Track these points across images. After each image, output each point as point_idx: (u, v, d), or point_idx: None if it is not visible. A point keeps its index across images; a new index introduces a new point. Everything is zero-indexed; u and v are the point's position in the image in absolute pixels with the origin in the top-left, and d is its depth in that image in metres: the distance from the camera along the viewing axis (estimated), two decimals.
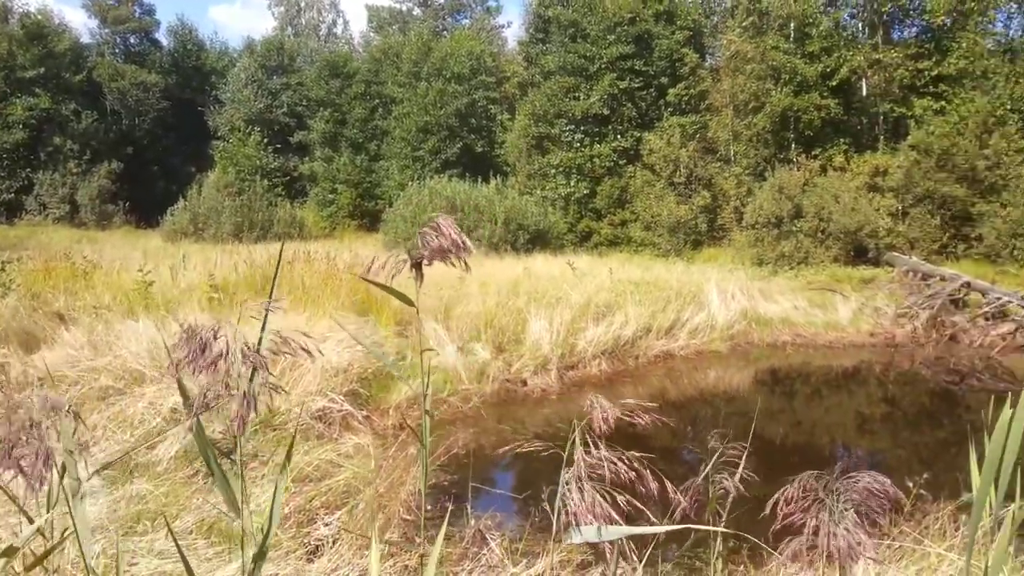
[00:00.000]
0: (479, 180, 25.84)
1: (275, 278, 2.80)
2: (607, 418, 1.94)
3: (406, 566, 4.22)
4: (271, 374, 1.64)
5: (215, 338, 1.59)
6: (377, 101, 37.23)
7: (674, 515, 2.36)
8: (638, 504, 1.82)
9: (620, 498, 1.80)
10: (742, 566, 4.52)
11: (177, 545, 1.76)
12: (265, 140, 38.02)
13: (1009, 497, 1.82)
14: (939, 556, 3.70)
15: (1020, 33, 25.63)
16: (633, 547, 2.19)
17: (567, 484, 1.84)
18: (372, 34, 51.57)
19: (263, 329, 1.74)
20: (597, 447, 1.91)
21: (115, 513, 4.50)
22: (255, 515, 4.49)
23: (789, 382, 12.35)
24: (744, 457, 2.49)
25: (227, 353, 1.57)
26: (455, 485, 6.03)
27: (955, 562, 3.50)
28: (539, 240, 23.50)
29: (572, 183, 26.97)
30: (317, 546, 4.63)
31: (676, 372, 12.10)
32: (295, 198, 37.41)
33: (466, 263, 1.95)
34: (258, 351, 1.67)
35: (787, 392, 11.85)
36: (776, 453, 8.27)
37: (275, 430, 6.86)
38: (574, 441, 1.92)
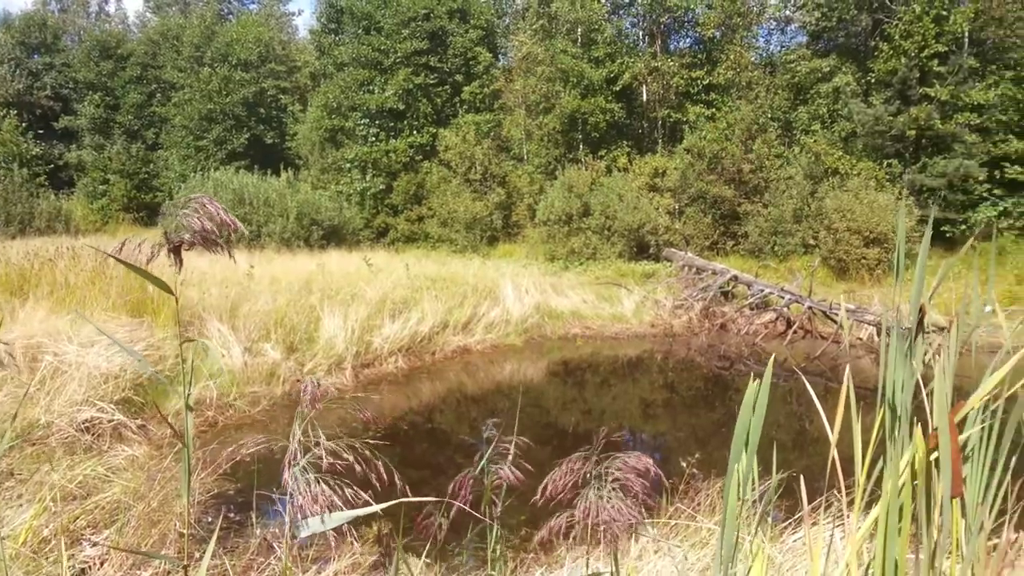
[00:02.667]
0: (269, 173, 24.80)
1: None
2: (316, 397, 1.86)
3: None
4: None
5: None
6: (155, 86, 34.85)
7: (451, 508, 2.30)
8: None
9: (350, 491, 1.73)
10: (532, 553, 4.57)
11: None
12: (25, 125, 34.37)
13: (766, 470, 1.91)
14: (709, 531, 3.92)
15: (779, 49, 28.27)
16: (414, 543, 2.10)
17: (294, 478, 1.74)
18: (149, 14, 48.06)
19: None
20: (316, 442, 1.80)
21: None
22: (8, 540, 3.97)
23: (580, 372, 12.80)
24: (521, 445, 2.47)
25: None
26: (241, 494, 5.68)
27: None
28: (334, 236, 22.94)
29: (368, 178, 26.59)
30: (83, 569, 4.18)
31: (473, 366, 12.19)
32: (60, 189, 34.13)
33: (231, 252, 1.76)
34: None
35: (578, 382, 12.27)
36: (568, 440, 8.52)
37: (34, 445, 6.16)
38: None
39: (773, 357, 2.02)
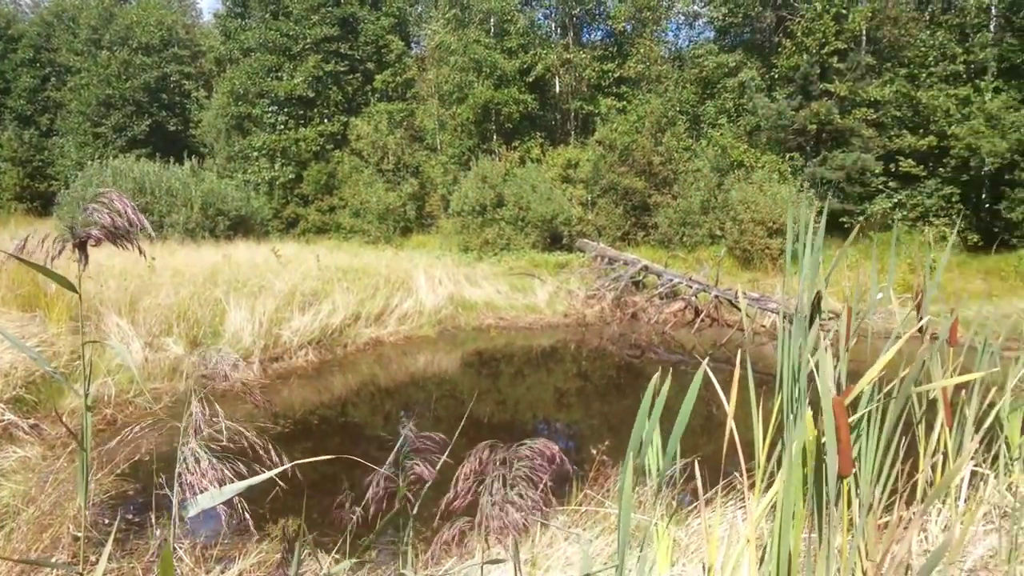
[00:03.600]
0: (172, 161, 23.90)
1: None
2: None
3: None
4: None
5: None
6: (49, 70, 33.21)
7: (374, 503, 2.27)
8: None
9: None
10: (444, 545, 4.53)
11: None
12: None
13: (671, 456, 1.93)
14: (618, 516, 3.97)
15: (687, 44, 28.88)
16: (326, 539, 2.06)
17: (183, 459, 1.71)
18: None
19: None
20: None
21: None
22: None
23: (494, 363, 12.82)
24: (436, 438, 2.45)
25: None
26: (141, 494, 5.47)
27: (633, 520, 3.76)
28: (241, 226, 22.30)
29: (277, 167, 25.98)
30: None
31: (386, 358, 12.07)
32: None
33: (140, 248, 1.68)
34: None
35: (493, 373, 12.29)
36: (483, 431, 8.52)
37: None
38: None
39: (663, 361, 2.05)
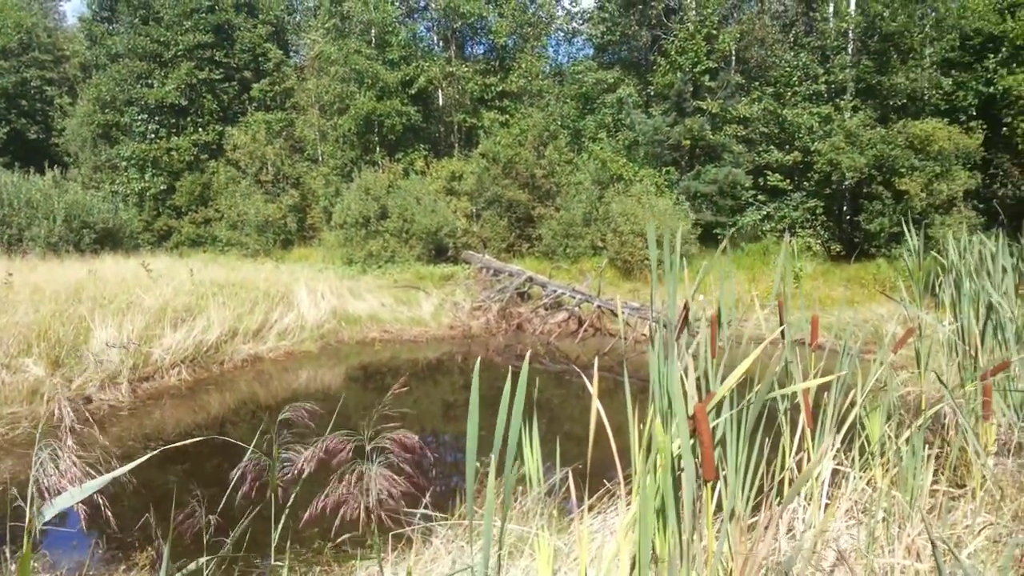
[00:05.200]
0: (32, 171, 22.45)
1: None
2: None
3: None
4: None
5: None
6: None
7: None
8: None
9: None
10: (325, 564, 4.45)
11: None
12: None
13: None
14: (496, 527, 3.97)
15: (567, 60, 29.50)
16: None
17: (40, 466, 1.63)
18: None
19: None
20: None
21: None
22: None
23: (379, 377, 12.65)
24: (312, 457, 2.39)
25: None
26: None
27: (514, 531, 3.77)
28: (109, 240, 21.17)
29: (147, 177, 24.86)
30: None
31: (266, 375, 11.71)
32: None
33: None
34: None
35: (378, 387, 12.12)
36: (405, 448, 8.37)
37: None
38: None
39: (529, 354, 2.07)
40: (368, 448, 1.88)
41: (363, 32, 24.81)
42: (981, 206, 18.69)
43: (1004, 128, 19.11)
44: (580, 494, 2.75)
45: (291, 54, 29.37)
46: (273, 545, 2.34)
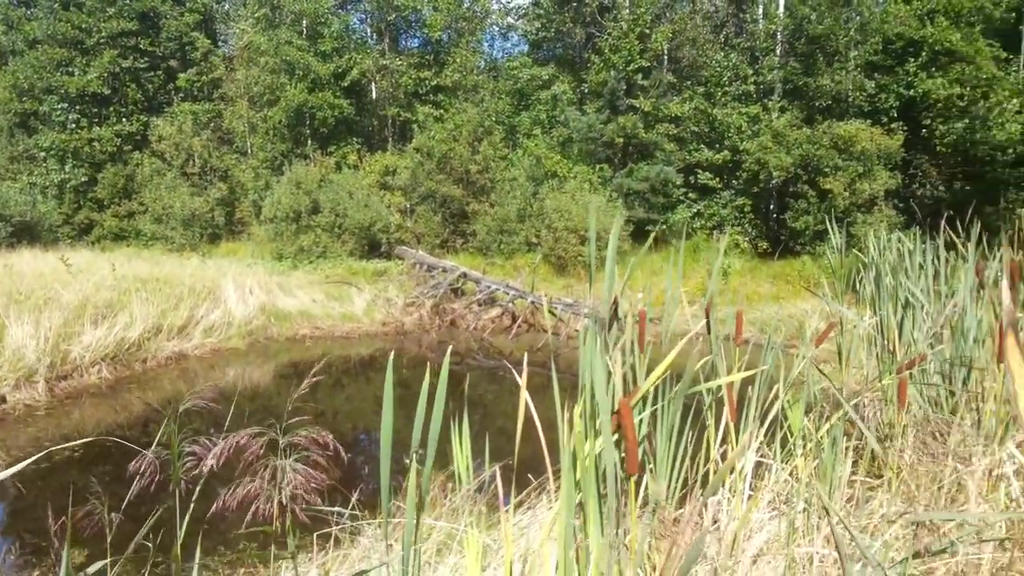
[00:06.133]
0: None
1: None
2: None
3: None
4: None
5: None
6: None
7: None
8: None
9: None
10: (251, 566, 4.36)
11: None
12: None
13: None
14: (429, 527, 3.94)
15: (502, 55, 29.50)
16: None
17: None
18: None
19: None
20: None
21: None
22: None
23: (310, 374, 12.45)
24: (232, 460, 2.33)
25: None
26: None
27: (444, 528, 3.75)
28: (26, 233, 20.38)
29: (68, 169, 23.98)
30: None
31: (191, 373, 11.42)
32: None
33: None
34: None
35: (309, 385, 11.93)
36: (319, 445, 8.23)
37: None
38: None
39: (451, 348, 2.05)
40: (282, 444, 1.84)
41: (294, 23, 24.35)
42: (901, 205, 19.36)
43: (923, 130, 19.82)
44: (509, 490, 2.74)
45: (219, 44, 28.64)
46: (178, 543, 2.27)
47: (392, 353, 1.60)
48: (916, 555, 2.29)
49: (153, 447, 2.51)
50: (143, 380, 10.64)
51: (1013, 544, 2.90)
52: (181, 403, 2.55)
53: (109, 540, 2.37)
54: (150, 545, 3.35)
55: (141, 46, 24.76)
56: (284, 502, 1.72)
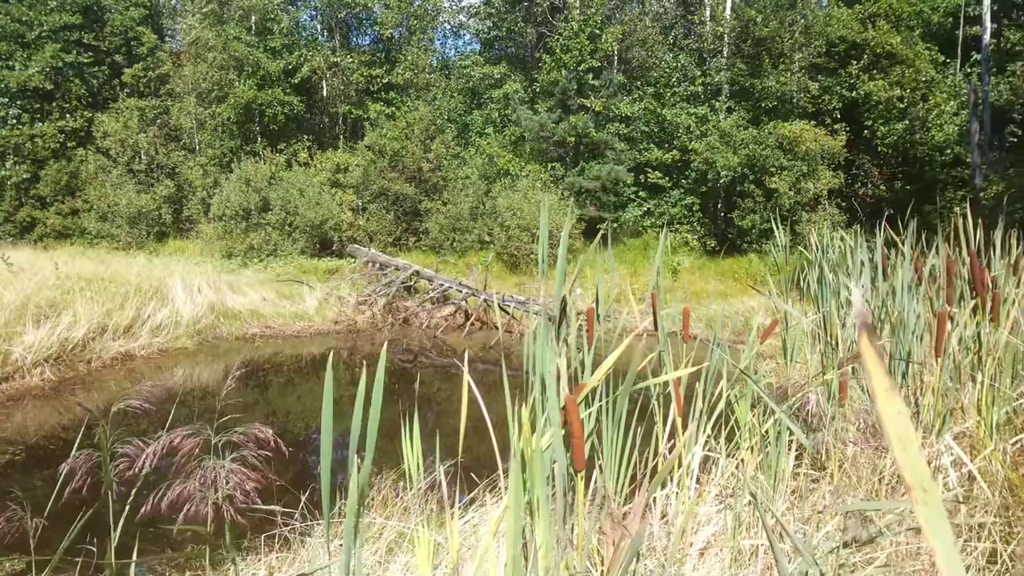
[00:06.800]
0: None
1: None
2: None
3: None
4: None
5: None
6: None
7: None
8: None
9: None
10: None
11: None
12: None
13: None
14: (380, 526, 3.95)
15: (454, 54, 29.46)
16: None
17: None
18: None
19: None
20: None
21: None
22: None
23: (261, 374, 12.32)
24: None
25: None
26: None
27: (395, 527, 3.76)
28: None
29: (8, 166, 23.27)
30: None
31: (138, 373, 11.20)
32: None
33: None
34: None
35: (260, 384, 11.80)
36: (249, 443, 8.14)
37: None
38: None
39: (385, 344, 2.07)
40: (214, 442, 1.84)
41: (243, 18, 23.99)
42: (843, 204, 19.84)
43: (865, 131, 20.34)
44: (460, 488, 2.76)
45: (166, 39, 28.09)
46: (111, 546, 2.26)
47: (332, 354, 1.61)
48: (845, 545, 2.37)
49: (75, 450, 2.48)
50: (88, 381, 10.42)
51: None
52: (114, 404, 2.53)
53: (33, 546, 2.34)
54: (94, 549, 3.31)
55: (85, 40, 24.16)
56: (219, 503, 1.72)
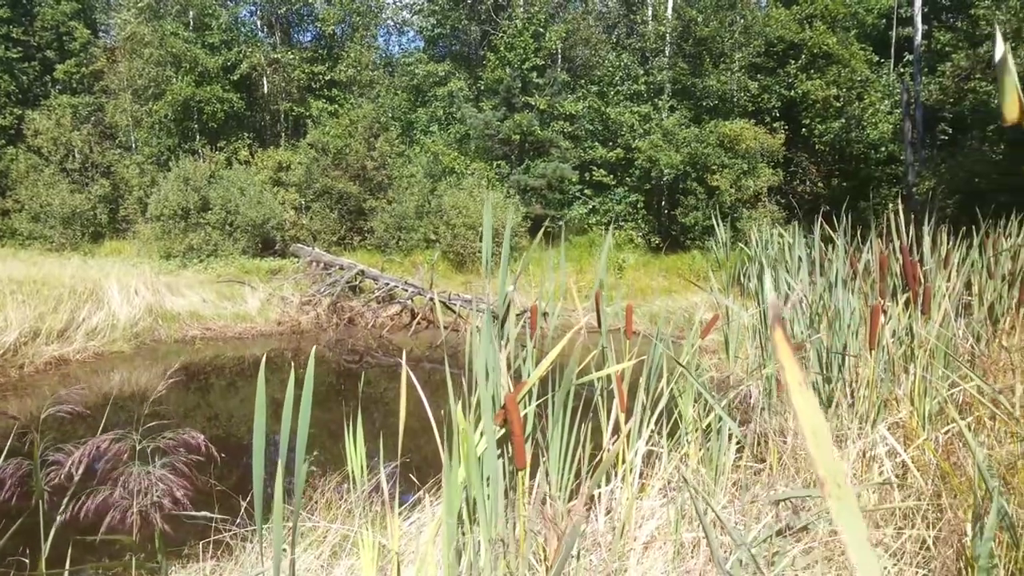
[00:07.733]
0: None
1: None
2: None
3: None
4: None
5: None
6: None
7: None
8: None
9: None
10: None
11: None
12: None
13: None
14: (325, 528, 3.90)
15: (397, 51, 29.26)
16: None
17: None
18: None
19: None
20: None
21: None
22: None
23: (202, 377, 12.06)
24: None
25: None
26: None
27: (340, 531, 3.71)
28: None
29: None
30: None
31: (73, 379, 10.86)
32: None
33: None
34: None
35: (201, 387, 11.55)
36: (189, 448, 7.96)
37: None
38: None
39: (315, 348, 2.05)
40: (139, 447, 1.79)
41: (180, 13, 23.45)
42: (782, 201, 20.26)
43: (803, 129, 20.80)
44: (404, 488, 2.73)
45: (100, 34, 27.31)
46: (43, 556, 2.19)
47: (268, 356, 1.58)
48: (779, 533, 2.41)
49: (1, 459, 2.40)
50: (20, 387, 10.08)
51: (883, 520, 3.09)
52: (44, 410, 2.44)
53: None
54: (26, 561, 3.20)
55: (13, 35, 23.38)
56: (145, 510, 1.67)
